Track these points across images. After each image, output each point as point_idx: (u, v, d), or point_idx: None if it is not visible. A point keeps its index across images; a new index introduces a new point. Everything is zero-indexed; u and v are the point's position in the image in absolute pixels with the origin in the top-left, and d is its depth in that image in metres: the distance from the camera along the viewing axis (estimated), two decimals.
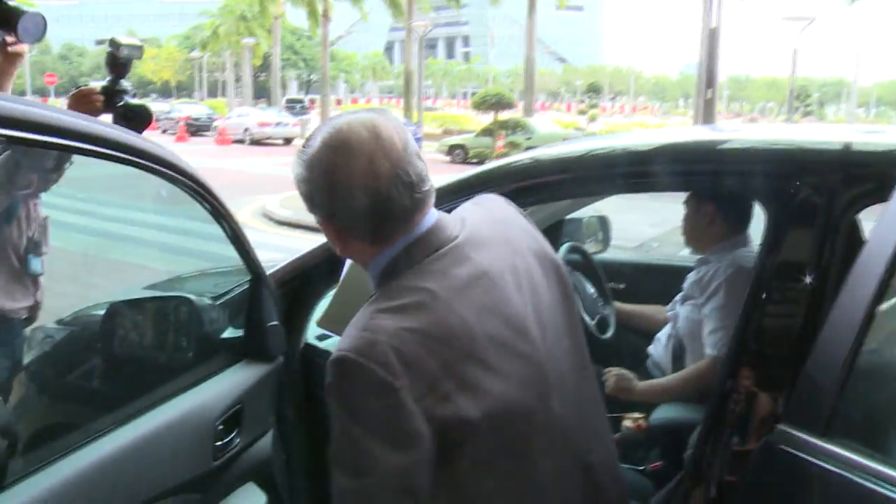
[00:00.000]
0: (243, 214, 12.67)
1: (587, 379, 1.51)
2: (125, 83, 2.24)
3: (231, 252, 1.99)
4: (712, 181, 1.81)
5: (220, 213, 1.89)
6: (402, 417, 1.19)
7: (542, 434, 1.35)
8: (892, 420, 1.46)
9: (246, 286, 2.07)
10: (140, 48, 2.25)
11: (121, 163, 1.50)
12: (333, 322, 1.96)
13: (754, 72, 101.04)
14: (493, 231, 1.45)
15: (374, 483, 1.20)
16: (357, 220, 1.31)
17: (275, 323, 2.05)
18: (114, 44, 2.20)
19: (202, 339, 2.06)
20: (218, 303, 2.16)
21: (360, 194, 1.28)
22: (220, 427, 1.82)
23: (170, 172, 1.66)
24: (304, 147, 1.35)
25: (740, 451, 1.50)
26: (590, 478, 1.43)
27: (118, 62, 2.21)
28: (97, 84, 2.24)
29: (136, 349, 2.05)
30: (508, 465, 1.32)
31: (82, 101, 2.18)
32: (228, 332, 2.10)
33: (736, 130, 2.20)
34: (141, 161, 1.54)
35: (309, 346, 2.28)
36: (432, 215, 1.37)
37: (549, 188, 1.91)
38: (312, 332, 2.30)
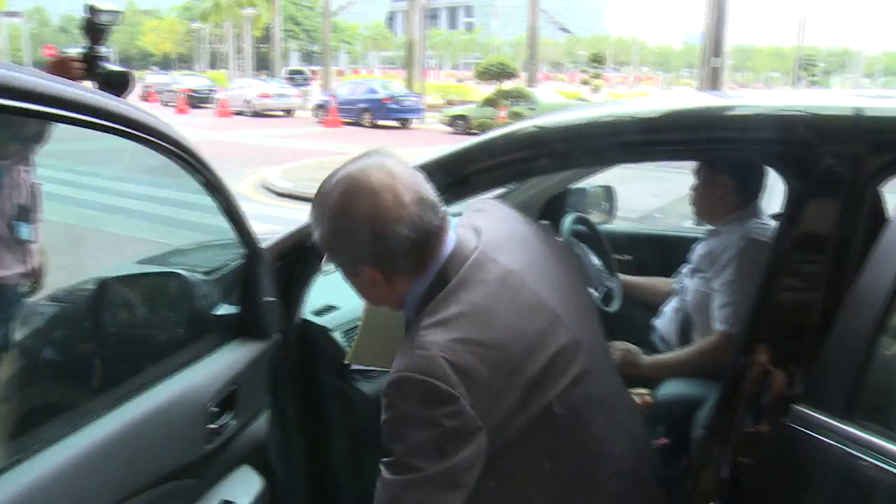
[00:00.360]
0: (243, 186, 12.60)
1: (609, 358, 1.64)
2: (104, 49, 2.17)
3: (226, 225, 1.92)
4: (727, 150, 1.72)
5: (213, 185, 1.81)
6: (462, 422, 1.28)
7: (589, 415, 1.45)
8: None
9: (238, 260, 2.00)
10: (118, 14, 2.19)
11: (105, 132, 1.41)
12: (365, 357, 2.07)
13: (759, 41, 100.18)
14: (504, 232, 1.55)
15: (429, 478, 1.29)
16: (399, 254, 1.38)
17: (271, 298, 1.99)
18: (91, 9, 2.13)
19: (195, 316, 1.99)
20: (211, 278, 2.10)
21: (400, 229, 1.36)
22: (214, 409, 1.75)
23: (160, 142, 1.57)
24: (322, 207, 1.42)
25: (754, 432, 1.43)
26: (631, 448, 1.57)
27: (96, 28, 2.15)
28: (75, 51, 2.17)
29: (125, 328, 1.98)
30: (560, 453, 1.43)
31: (61, 69, 2.11)
32: (223, 309, 2.03)
33: (744, 96, 2.11)
34: (128, 130, 1.45)
35: (306, 322, 2.21)
36: (451, 234, 1.45)
37: (553, 157, 1.82)
38: (309, 307, 2.23)
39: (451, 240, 1.44)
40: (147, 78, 43.12)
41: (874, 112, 1.56)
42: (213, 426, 1.75)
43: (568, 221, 3.02)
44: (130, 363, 1.77)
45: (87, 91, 1.38)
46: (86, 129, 1.36)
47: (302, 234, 2.08)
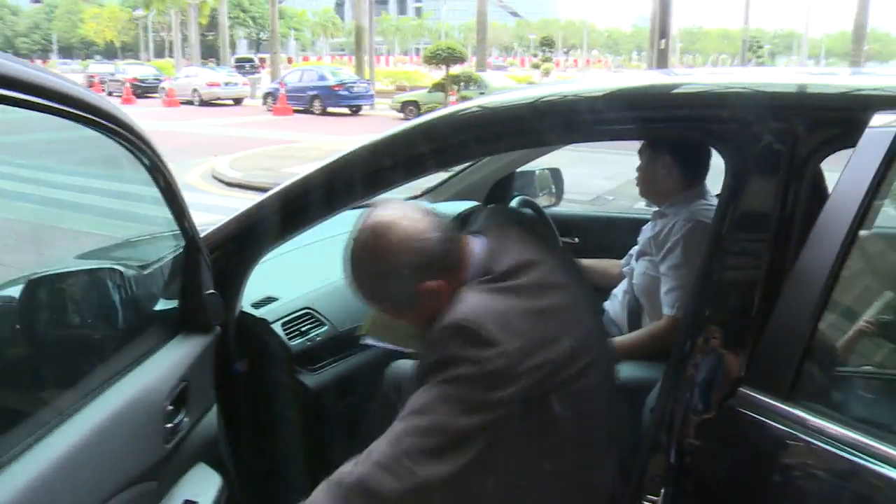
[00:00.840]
0: (192, 177, 12.40)
1: (609, 350, 1.77)
2: None
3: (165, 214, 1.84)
4: (668, 128, 1.70)
5: (157, 168, 1.73)
6: (501, 370, 1.43)
7: (592, 380, 1.55)
8: (857, 381, 1.39)
9: (177, 253, 1.93)
10: None
11: (38, 110, 1.29)
12: (380, 331, 2.11)
13: (707, 24, 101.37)
14: (512, 232, 1.68)
15: (474, 422, 1.43)
16: (445, 254, 1.56)
17: (212, 291, 1.92)
18: None
19: (137, 312, 1.91)
20: (150, 272, 2.02)
21: (430, 235, 1.55)
22: (170, 408, 1.69)
23: (98, 119, 1.46)
24: (358, 269, 1.60)
25: (701, 416, 1.41)
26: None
27: None
28: None
29: (63, 331, 1.90)
30: (568, 421, 1.51)
31: None
32: (161, 304, 1.97)
33: (691, 74, 2.08)
34: (60, 106, 1.32)
35: (244, 315, 2.15)
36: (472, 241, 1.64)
37: (497, 139, 1.78)
38: (248, 299, 2.17)
39: (476, 238, 1.64)
40: (90, 67, 42.14)
41: (812, 89, 1.55)
42: (169, 425, 1.69)
43: (514, 204, 3.00)
44: (80, 369, 1.69)
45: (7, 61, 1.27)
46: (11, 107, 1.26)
47: (238, 223, 2.01)
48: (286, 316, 2.25)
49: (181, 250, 1.91)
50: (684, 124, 1.60)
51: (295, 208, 1.94)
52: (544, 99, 1.78)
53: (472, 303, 1.50)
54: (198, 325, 1.92)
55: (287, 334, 2.21)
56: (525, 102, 1.77)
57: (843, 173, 1.29)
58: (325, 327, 2.36)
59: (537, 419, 1.49)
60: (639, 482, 1.51)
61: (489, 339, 1.43)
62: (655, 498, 1.46)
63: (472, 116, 1.79)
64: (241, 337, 2.12)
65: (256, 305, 2.22)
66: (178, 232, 1.88)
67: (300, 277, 2.51)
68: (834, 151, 1.40)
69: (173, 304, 1.93)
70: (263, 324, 2.17)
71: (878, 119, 1.29)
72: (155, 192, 1.80)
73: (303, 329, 2.28)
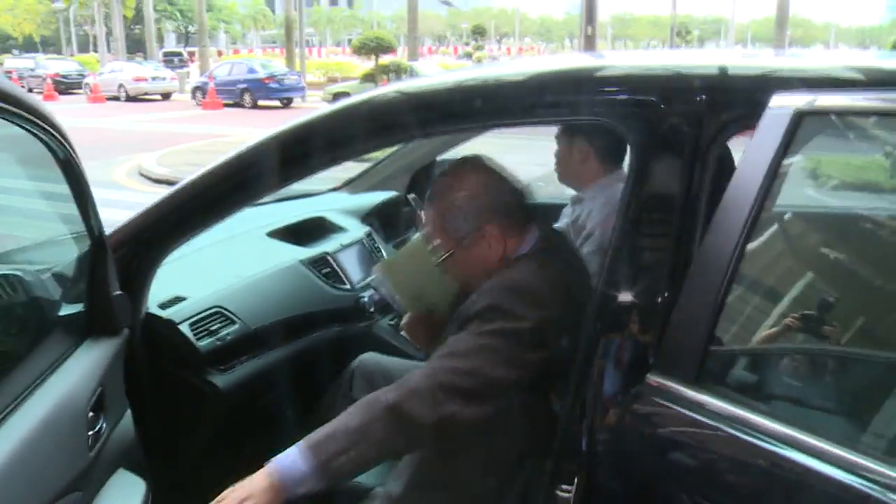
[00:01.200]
0: (118, 174, 12.11)
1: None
2: None
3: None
4: (579, 112, 1.68)
5: (69, 161, 1.63)
6: (540, 332, 1.60)
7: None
8: (763, 364, 1.39)
9: (77, 254, 1.84)
10: None
11: None
12: (395, 274, 2.12)
13: (638, 10, 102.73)
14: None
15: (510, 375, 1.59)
16: (514, 208, 1.78)
17: (119, 292, 1.84)
18: None
19: (42, 319, 1.82)
20: (50, 275, 1.92)
21: (508, 186, 1.79)
22: (91, 414, 1.61)
23: (9, 107, 1.35)
24: (439, 191, 1.77)
25: (611, 403, 1.39)
26: None
27: None
28: None
29: None
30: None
31: None
32: (66, 309, 1.87)
33: (607, 57, 2.07)
34: None
35: (151, 316, 2.07)
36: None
37: (416, 125, 1.73)
38: (155, 299, 2.09)
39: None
40: (7, 62, 40.68)
41: (715, 70, 1.53)
42: (91, 432, 1.61)
43: None
44: None
45: None
46: None
47: (140, 221, 1.93)
48: (194, 315, 2.17)
49: (86, 250, 1.82)
50: (593, 108, 1.57)
51: (201, 203, 1.86)
52: (464, 83, 1.74)
53: (525, 269, 1.69)
54: (106, 328, 1.83)
55: (196, 334, 2.13)
56: (445, 86, 1.73)
57: (744, 156, 1.28)
58: (236, 325, 2.29)
59: (536, 396, 1.66)
60: (553, 472, 1.49)
61: (537, 301, 1.61)
62: (569, 487, 1.44)
63: (390, 101, 1.74)
64: (148, 339, 2.03)
65: (164, 306, 2.14)
66: (84, 231, 1.79)
67: (209, 275, 2.43)
68: (739, 132, 1.39)
69: (79, 307, 1.84)
70: (170, 325, 2.09)
71: (777, 100, 1.28)
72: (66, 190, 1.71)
73: (212, 328, 2.20)
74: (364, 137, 1.74)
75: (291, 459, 1.55)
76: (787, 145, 1.23)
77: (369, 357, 2.32)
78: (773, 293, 1.41)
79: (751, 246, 1.24)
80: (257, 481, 1.54)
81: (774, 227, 1.34)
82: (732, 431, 1.19)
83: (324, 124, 1.77)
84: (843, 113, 1.28)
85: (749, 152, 1.27)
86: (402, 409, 1.54)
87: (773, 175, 1.24)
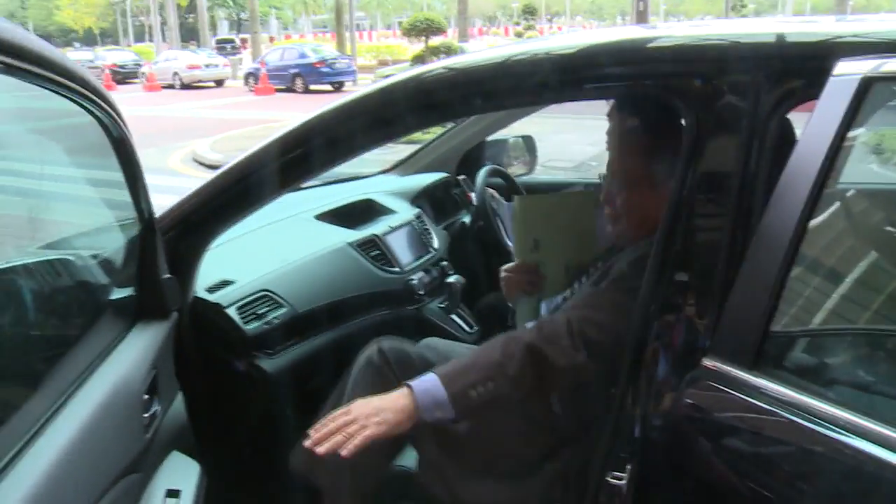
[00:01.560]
0: (173, 161, 12.30)
1: None
2: None
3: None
4: (633, 88, 1.61)
5: (123, 142, 1.63)
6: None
7: None
8: (824, 348, 1.32)
9: (132, 237, 1.85)
10: None
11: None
12: (526, 212, 2.09)
13: None
14: None
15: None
16: None
17: (168, 276, 1.84)
18: None
19: (95, 303, 1.83)
20: (99, 260, 1.94)
21: None
22: (146, 397, 1.63)
23: (63, 80, 1.30)
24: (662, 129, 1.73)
25: (666, 388, 1.34)
26: None
27: None
28: None
29: (21, 329, 1.81)
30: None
31: None
32: (117, 293, 1.88)
33: (659, 28, 1.98)
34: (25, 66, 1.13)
35: (198, 300, 2.07)
36: None
37: (464, 102, 1.69)
38: (202, 283, 2.10)
39: None
40: (68, 55, 41.57)
41: (773, 38, 1.45)
42: (146, 414, 1.63)
43: (482, 174, 2.92)
44: (50, 366, 1.61)
45: None
46: None
47: (187, 205, 1.92)
48: (242, 299, 2.17)
49: (136, 234, 1.83)
50: (648, 83, 1.51)
51: (249, 184, 1.85)
52: (514, 58, 1.68)
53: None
54: (156, 312, 1.84)
55: (243, 318, 2.13)
56: (494, 62, 1.68)
57: (806, 128, 1.21)
58: (284, 309, 2.28)
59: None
60: (604, 459, 1.44)
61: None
62: (621, 475, 1.40)
63: (438, 78, 1.69)
64: (196, 323, 2.04)
65: (211, 290, 2.14)
66: (135, 216, 1.80)
67: (257, 259, 2.43)
68: (799, 104, 1.32)
69: (129, 291, 1.85)
70: (217, 308, 2.09)
71: (842, 67, 1.21)
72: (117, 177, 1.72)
73: (259, 312, 2.20)
74: (411, 116, 1.70)
75: (432, 383, 1.59)
76: (854, 115, 1.16)
77: (432, 341, 2.29)
78: (835, 273, 1.34)
79: (812, 224, 1.17)
80: (393, 398, 1.58)
81: (838, 204, 1.27)
82: (791, 417, 1.14)
83: (370, 102, 1.73)
84: None
85: (812, 124, 1.20)
86: (538, 349, 1.59)
87: (838, 148, 1.16)
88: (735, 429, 1.25)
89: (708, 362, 1.25)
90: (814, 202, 1.16)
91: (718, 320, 1.26)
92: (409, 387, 1.59)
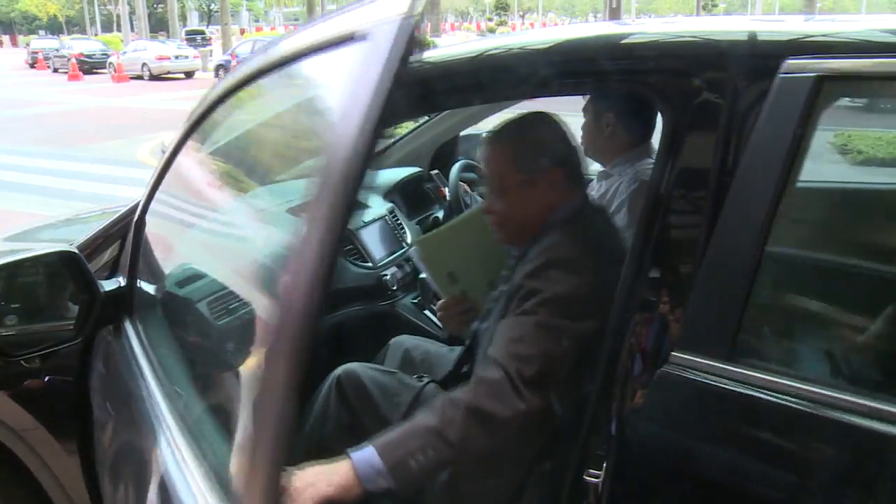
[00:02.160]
0: (141, 153, 12.19)
1: None
2: None
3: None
4: (608, 83, 1.61)
5: None
6: (586, 295, 1.60)
7: None
8: (796, 333, 1.34)
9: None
10: None
11: None
12: (431, 250, 2.12)
13: None
14: None
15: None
16: (575, 157, 1.83)
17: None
18: None
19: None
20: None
21: (570, 140, 1.83)
22: None
23: None
24: (506, 140, 1.79)
25: (641, 384, 1.34)
26: None
27: None
28: None
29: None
30: None
31: None
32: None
33: (634, 24, 1.99)
34: None
35: (168, 294, 2.05)
36: None
37: (437, 96, 1.66)
38: (170, 279, 2.08)
39: None
40: (33, 43, 40.95)
41: (751, 36, 1.45)
42: None
43: (456, 169, 2.91)
44: None
45: None
46: None
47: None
48: (212, 294, 2.13)
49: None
50: (623, 78, 1.50)
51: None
52: (486, 52, 1.66)
53: (566, 236, 1.69)
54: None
55: (214, 313, 2.10)
56: (468, 56, 1.66)
57: (757, 125, 1.22)
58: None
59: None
60: (581, 457, 1.44)
61: (579, 270, 1.62)
62: (597, 472, 1.39)
63: (417, 72, 1.67)
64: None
65: (181, 284, 2.11)
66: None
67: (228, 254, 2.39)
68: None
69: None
70: (188, 304, 2.06)
71: (791, 65, 1.22)
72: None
73: (231, 307, 2.17)
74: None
75: (370, 454, 1.51)
76: (806, 114, 1.18)
77: (402, 339, 2.28)
78: (793, 265, 1.38)
79: (767, 217, 1.20)
80: (334, 469, 1.50)
81: (789, 198, 1.28)
82: (768, 400, 1.17)
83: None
84: (867, 77, 1.23)
85: (763, 121, 1.22)
86: (481, 409, 1.52)
87: (790, 145, 1.19)
88: (705, 418, 1.25)
89: (677, 355, 1.25)
90: (768, 196, 1.19)
91: (687, 313, 1.27)
92: (349, 456, 1.52)
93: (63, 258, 1.82)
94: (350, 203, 0.80)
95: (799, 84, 1.20)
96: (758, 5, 62.53)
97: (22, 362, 1.95)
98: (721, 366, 1.20)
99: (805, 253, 1.43)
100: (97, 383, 1.97)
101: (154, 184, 1.90)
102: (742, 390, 1.18)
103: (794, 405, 1.14)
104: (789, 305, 1.42)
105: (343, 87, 0.86)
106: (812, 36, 1.35)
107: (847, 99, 1.42)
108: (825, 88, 1.19)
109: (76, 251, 1.84)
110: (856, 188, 1.44)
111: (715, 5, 63.43)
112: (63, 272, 1.84)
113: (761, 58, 1.32)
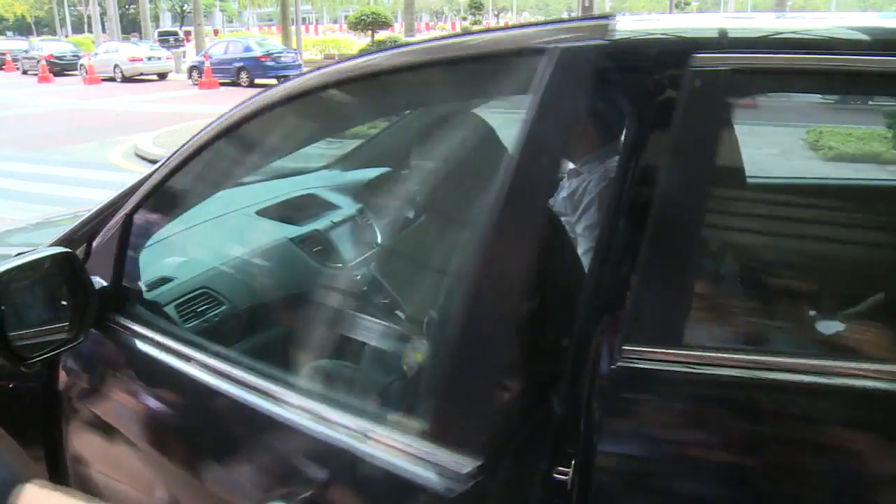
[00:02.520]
0: (114, 155, 12.07)
1: None
2: None
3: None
4: None
5: None
6: None
7: None
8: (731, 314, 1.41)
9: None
10: None
11: None
12: None
13: None
14: None
15: None
16: None
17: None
18: None
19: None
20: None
21: None
22: None
23: None
24: None
25: (600, 380, 1.34)
26: None
27: None
28: None
29: None
30: None
31: None
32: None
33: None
34: None
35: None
36: None
37: (407, 91, 1.66)
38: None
39: None
40: (0, 44, 40.45)
41: (711, 33, 1.45)
42: None
43: None
44: None
45: None
46: None
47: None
48: (181, 297, 2.12)
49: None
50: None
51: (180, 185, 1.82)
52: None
53: None
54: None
55: (182, 316, 2.08)
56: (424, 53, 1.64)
57: (674, 119, 1.24)
58: (224, 306, 2.23)
59: None
60: (551, 455, 1.44)
61: None
62: (566, 469, 1.39)
63: (376, 67, 1.66)
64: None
65: (150, 287, 2.09)
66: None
67: (197, 256, 2.38)
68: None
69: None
70: (155, 306, 2.04)
71: (696, 60, 1.24)
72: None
73: (199, 310, 2.15)
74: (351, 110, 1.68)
75: None
76: (717, 108, 1.24)
77: None
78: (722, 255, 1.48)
79: (692, 212, 1.24)
80: None
81: (711, 191, 1.31)
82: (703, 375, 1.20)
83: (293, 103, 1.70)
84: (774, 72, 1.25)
85: (678, 117, 1.24)
86: None
87: (707, 139, 1.24)
88: (656, 407, 1.26)
89: (626, 347, 1.26)
90: (692, 194, 1.24)
91: (632, 307, 1.28)
92: None
93: (58, 259, 1.80)
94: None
95: (709, 78, 1.22)
96: (730, 4, 63.02)
97: None
98: (665, 351, 1.22)
99: (735, 241, 1.51)
100: (82, 387, 1.94)
101: (154, 183, 1.88)
102: (688, 370, 1.20)
103: (733, 374, 1.17)
104: (724, 292, 1.47)
105: None
106: (725, 32, 1.38)
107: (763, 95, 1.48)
108: (734, 83, 1.22)
109: (72, 252, 1.82)
110: (765, 182, 1.48)
111: (688, 3, 63.88)
112: (59, 273, 1.81)
113: (672, 54, 1.34)
